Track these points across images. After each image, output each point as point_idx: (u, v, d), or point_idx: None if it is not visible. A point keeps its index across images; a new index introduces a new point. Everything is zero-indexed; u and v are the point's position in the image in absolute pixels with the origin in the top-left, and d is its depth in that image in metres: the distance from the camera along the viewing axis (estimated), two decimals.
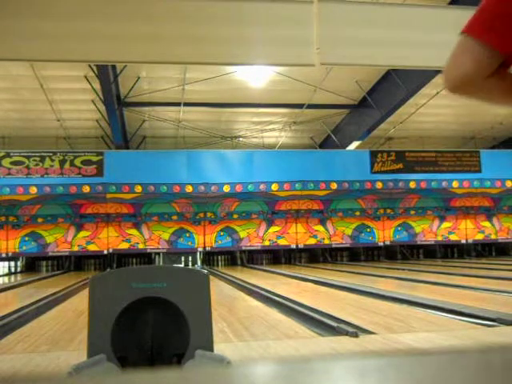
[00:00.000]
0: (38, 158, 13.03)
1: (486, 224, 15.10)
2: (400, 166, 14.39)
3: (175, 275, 2.62)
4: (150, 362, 2.38)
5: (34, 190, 12.89)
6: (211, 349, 2.44)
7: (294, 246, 14.25)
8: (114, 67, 10.09)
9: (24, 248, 13.29)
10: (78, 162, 13.14)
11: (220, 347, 3.15)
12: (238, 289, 8.15)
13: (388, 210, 14.62)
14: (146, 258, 14.13)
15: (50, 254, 13.42)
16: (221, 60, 5.08)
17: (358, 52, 4.86)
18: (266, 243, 14.14)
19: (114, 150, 13.96)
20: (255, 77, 11.59)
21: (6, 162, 12.90)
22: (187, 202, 13.67)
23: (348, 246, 14.62)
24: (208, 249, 13.97)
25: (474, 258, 14.79)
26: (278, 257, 14.62)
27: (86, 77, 10.95)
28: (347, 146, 14.55)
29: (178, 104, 12.77)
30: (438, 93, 11.89)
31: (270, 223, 14.14)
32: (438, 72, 9.73)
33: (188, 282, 2.56)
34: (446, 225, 14.96)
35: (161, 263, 14.07)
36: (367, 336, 3.87)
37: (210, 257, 14.41)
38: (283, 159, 14.02)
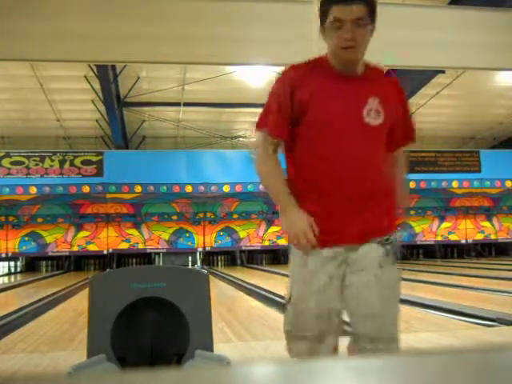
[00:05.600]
0: (37, 158, 13.02)
1: (486, 224, 15.10)
2: None
3: (175, 275, 2.62)
4: (150, 362, 2.38)
5: (33, 190, 12.88)
6: (211, 349, 2.44)
7: None
8: (113, 67, 10.07)
9: (24, 248, 13.29)
10: (77, 161, 13.13)
11: (220, 347, 3.15)
12: (238, 289, 8.15)
13: None
14: (145, 258, 14.13)
15: (50, 253, 13.42)
16: (220, 60, 5.08)
17: None
18: (266, 243, 14.13)
19: (113, 149, 13.95)
20: (255, 77, 11.57)
21: (5, 162, 12.89)
22: (187, 202, 13.66)
23: None
24: (208, 249, 13.96)
25: (474, 257, 14.79)
26: (277, 257, 14.61)
27: (85, 77, 10.94)
28: None
29: (177, 104, 12.75)
30: (437, 93, 11.87)
31: (269, 223, 14.13)
32: (437, 72, 9.72)
33: (188, 281, 2.55)
34: (445, 225, 14.96)
35: (161, 263, 14.07)
36: None
37: (209, 257, 14.41)
38: (283, 159, 13.99)
